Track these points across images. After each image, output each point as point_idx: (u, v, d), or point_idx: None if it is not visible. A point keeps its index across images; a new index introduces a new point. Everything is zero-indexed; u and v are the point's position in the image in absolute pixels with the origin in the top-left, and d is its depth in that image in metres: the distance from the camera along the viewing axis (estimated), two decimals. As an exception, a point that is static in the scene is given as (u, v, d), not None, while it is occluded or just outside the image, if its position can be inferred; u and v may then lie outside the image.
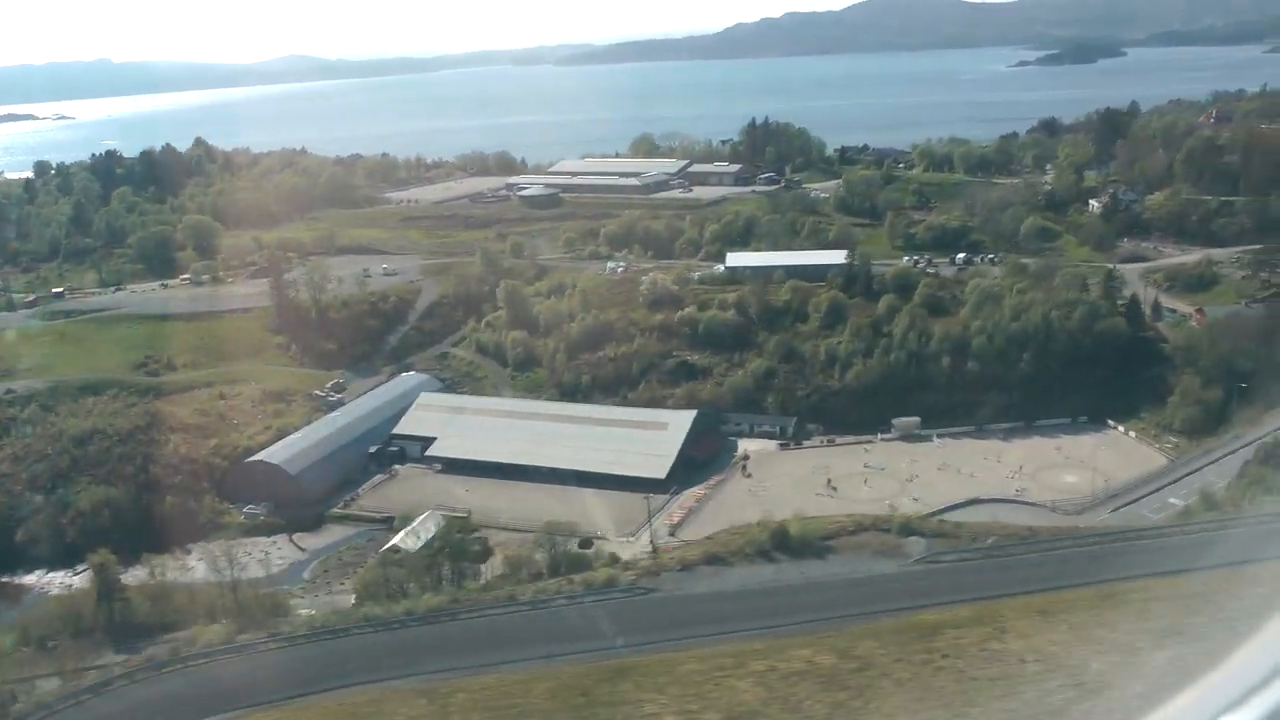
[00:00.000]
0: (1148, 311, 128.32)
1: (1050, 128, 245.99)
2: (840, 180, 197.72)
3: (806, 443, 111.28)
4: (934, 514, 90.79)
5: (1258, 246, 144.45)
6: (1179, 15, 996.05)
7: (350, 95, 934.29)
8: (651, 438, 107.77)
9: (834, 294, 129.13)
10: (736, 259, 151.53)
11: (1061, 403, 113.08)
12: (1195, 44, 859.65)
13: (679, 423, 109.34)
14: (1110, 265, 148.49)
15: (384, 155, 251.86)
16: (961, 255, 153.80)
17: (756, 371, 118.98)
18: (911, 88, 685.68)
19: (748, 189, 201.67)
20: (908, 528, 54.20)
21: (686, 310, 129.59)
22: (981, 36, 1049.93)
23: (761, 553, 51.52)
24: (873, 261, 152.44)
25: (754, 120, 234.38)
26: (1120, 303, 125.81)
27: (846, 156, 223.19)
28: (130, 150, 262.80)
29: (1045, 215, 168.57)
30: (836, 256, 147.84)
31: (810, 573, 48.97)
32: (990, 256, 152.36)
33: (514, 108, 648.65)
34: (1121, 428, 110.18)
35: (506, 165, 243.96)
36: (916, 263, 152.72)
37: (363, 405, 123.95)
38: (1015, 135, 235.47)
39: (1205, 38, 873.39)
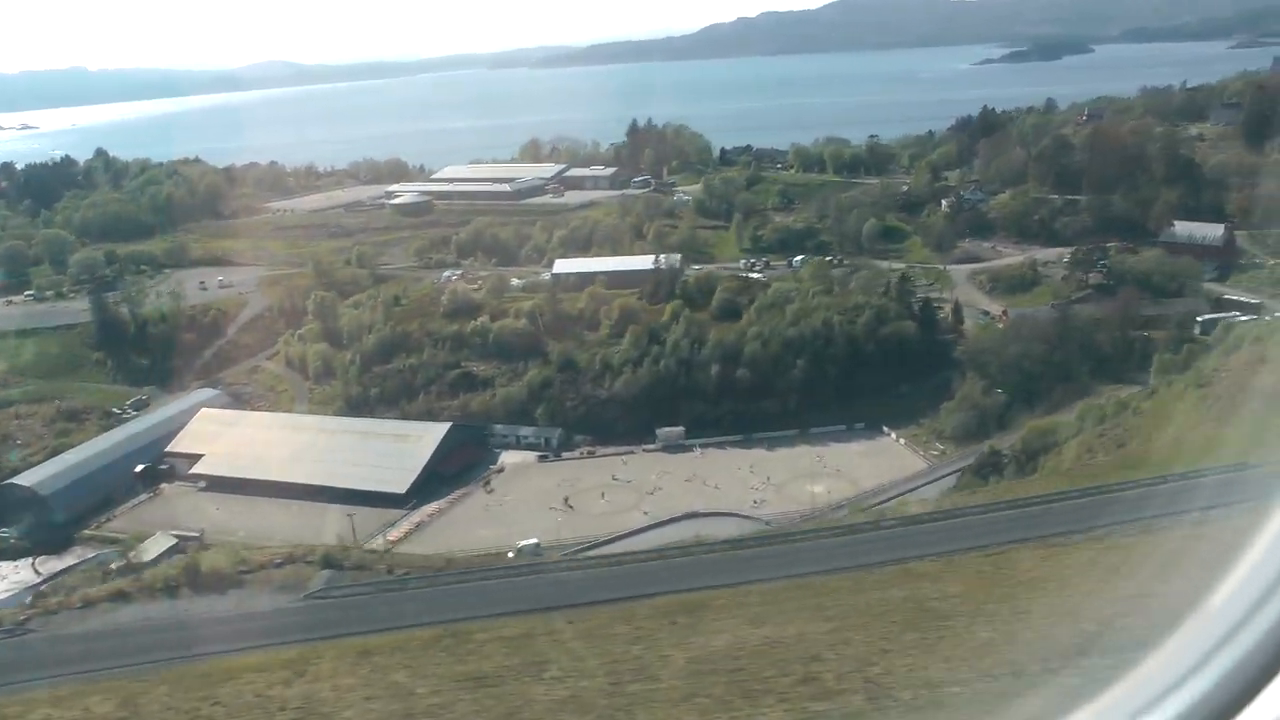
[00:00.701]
0: (979, 313, 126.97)
1: (964, 126, 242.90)
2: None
3: (568, 455, 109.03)
4: (645, 529, 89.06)
5: (1088, 246, 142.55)
6: (1154, 12, 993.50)
7: (323, 100, 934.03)
8: (401, 451, 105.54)
9: (625, 301, 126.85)
10: (562, 265, 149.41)
11: (841, 409, 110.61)
12: (1167, 40, 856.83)
13: (430, 436, 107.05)
14: (941, 266, 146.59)
15: (272, 163, 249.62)
16: (799, 258, 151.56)
17: (533, 382, 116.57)
18: (873, 86, 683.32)
19: (620, 192, 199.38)
20: (328, 560, 51.81)
21: (480, 320, 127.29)
22: (957, 34, 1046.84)
23: (169, 587, 49.26)
24: (719, 265, 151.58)
25: (634, 122, 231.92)
26: (918, 304, 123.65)
27: (726, 158, 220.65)
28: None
29: (899, 216, 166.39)
30: (646, 261, 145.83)
31: (196, 609, 46.78)
32: (833, 258, 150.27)
33: (477, 111, 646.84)
34: (895, 434, 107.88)
35: (398, 172, 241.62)
36: (754, 266, 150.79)
37: (141, 423, 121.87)
38: (931, 134, 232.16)
39: (1178, 34, 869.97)
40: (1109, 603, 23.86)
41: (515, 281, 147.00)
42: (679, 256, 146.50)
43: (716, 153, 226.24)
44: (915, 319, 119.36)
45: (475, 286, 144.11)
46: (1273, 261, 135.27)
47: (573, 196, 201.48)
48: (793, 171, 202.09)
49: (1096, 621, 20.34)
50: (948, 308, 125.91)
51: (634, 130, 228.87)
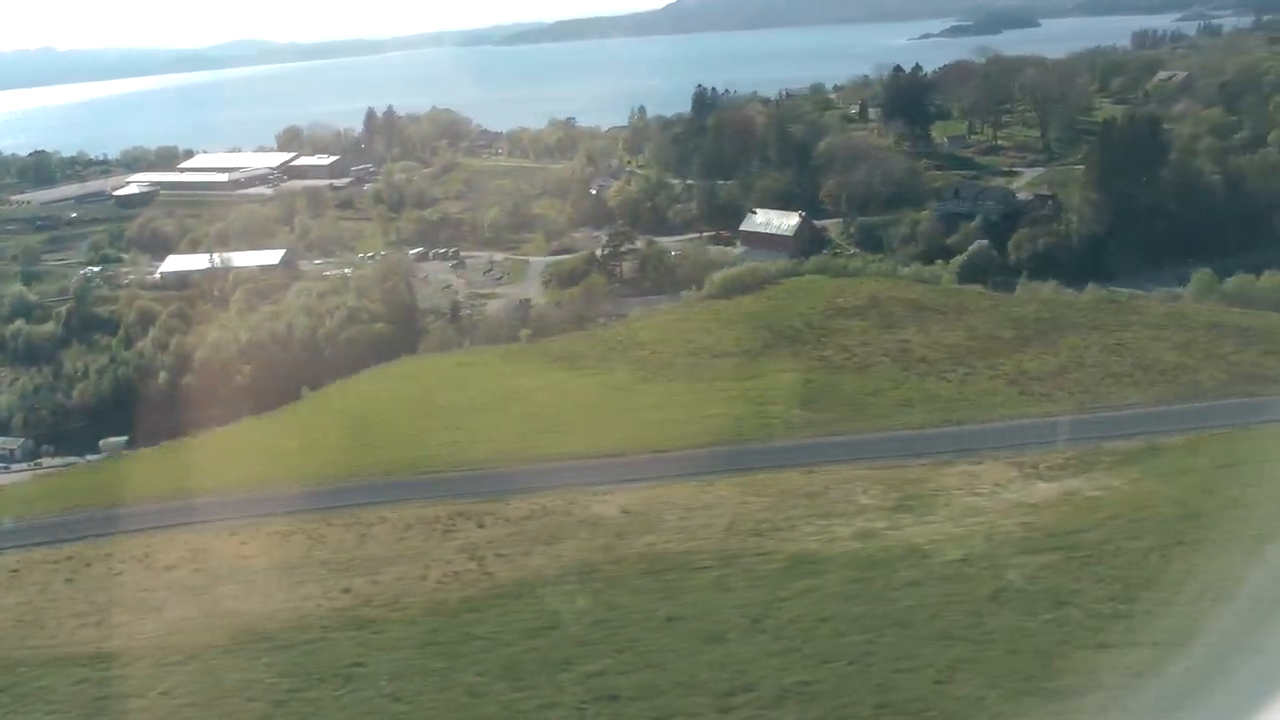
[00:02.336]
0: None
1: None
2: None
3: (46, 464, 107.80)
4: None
5: (708, 233, 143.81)
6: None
7: (278, 80, 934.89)
8: None
9: (143, 303, 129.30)
10: (173, 262, 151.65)
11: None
12: (1123, 13, 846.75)
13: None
14: (526, 258, 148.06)
15: (38, 153, 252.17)
16: (365, 255, 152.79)
17: (25, 389, 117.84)
18: (808, 62, 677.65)
19: (342, 181, 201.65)
20: None
21: (17, 324, 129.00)
22: (918, 9, 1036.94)
23: None
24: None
25: (371, 110, 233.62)
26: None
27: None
28: (19, 147, 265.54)
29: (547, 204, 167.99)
30: (273, 257, 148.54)
31: None
32: (447, 250, 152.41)
33: (410, 91, 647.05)
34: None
35: (168, 159, 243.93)
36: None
37: None
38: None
39: (1133, 7, 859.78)
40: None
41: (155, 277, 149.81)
42: (283, 253, 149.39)
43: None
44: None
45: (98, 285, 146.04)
46: (852, 251, 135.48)
47: (292, 186, 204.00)
48: (503, 157, 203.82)
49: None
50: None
51: (370, 118, 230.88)
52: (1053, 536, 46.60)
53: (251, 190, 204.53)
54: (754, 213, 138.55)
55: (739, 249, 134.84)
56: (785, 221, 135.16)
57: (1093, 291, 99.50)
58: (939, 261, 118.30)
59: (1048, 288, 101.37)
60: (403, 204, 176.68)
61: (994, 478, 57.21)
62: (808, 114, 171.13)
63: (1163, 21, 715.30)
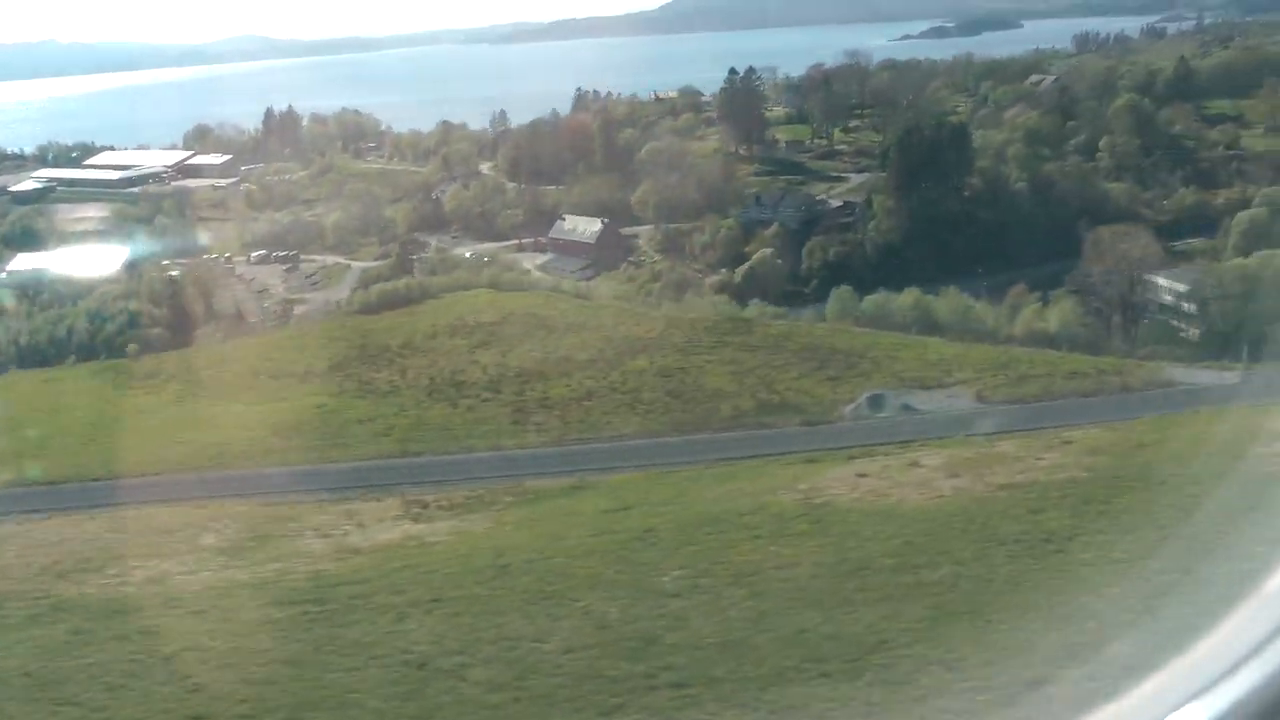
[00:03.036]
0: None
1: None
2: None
3: None
4: None
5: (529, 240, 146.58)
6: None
7: (273, 76, 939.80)
8: None
9: None
10: (20, 261, 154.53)
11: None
12: (1111, 14, 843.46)
13: None
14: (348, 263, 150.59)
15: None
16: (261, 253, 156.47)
17: None
18: (781, 60, 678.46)
19: (225, 181, 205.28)
20: None
21: None
22: (912, 10, 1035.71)
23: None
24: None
25: (270, 110, 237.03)
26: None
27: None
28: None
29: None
30: (118, 257, 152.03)
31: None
32: (286, 254, 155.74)
33: (389, 89, 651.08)
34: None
35: (86, 154, 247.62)
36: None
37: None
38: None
39: (1122, 9, 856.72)
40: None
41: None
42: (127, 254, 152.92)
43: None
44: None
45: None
46: (656, 258, 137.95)
47: (186, 184, 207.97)
48: (383, 161, 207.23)
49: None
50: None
51: (268, 117, 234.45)
52: (323, 588, 42.39)
53: (137, 189, 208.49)
54: (563, 219, 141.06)
55: (547, 256, 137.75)
56: (589, 228, 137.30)
57: (720, 309, 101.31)
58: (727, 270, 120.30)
59: (720, 301, 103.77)
60: (269, 205, 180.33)
61: (370, 516, 55.93)
62: (645, 118, 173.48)
63: (1144, 22, 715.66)
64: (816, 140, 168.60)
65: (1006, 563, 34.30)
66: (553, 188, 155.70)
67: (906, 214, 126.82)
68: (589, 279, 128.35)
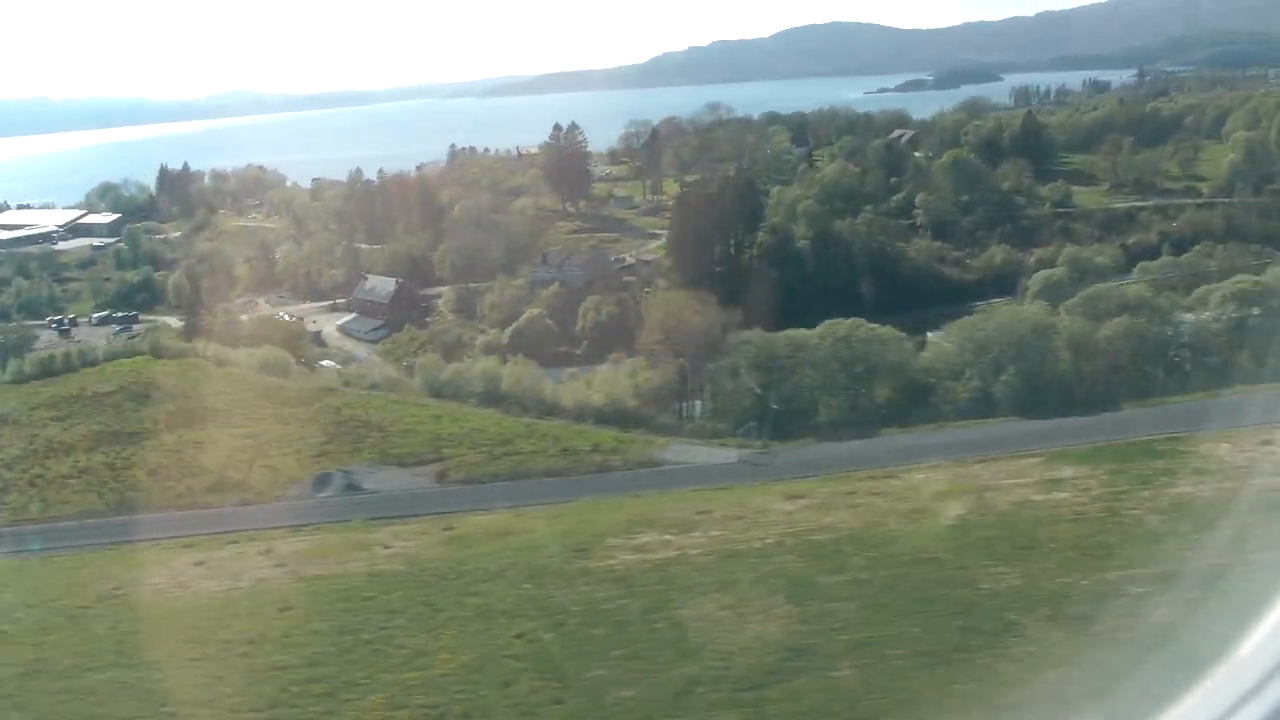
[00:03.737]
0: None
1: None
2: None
3: None
4: None
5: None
6: (1103, 39, 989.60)
7: (267, 131, 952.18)
8: None
9: None
10: None
11: None
12: (1089, 68, 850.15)
13: None
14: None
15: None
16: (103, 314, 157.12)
17: None
18: (753, 110, 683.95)
19: (103, 242, 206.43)
20: None
21: None
22: (900, 64, 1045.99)
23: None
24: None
25: (163, 167, 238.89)
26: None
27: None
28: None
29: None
30: None
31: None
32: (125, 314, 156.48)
33: (359, 143, 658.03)
34: None
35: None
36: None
37: None
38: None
39: (1099, 62, 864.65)
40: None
41: None
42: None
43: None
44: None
45: None
46: (450, 318, 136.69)
47: (74, 244, 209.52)
48: (260, 218, 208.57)
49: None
50: None
51: (162, 175, 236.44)
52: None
53: (30, 249, 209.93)
54: (364, 279, 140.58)
55: (350, 316, 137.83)
56: (385, 288, 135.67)
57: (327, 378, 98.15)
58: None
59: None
60: (134, 264, 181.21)
61: None
62: (489, 176, 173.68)
63: (1121, 76, 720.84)
64: (649, 196, 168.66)
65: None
66: (374, 247, 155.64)
67: (682, 272, 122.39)
68: (379, 339, 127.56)
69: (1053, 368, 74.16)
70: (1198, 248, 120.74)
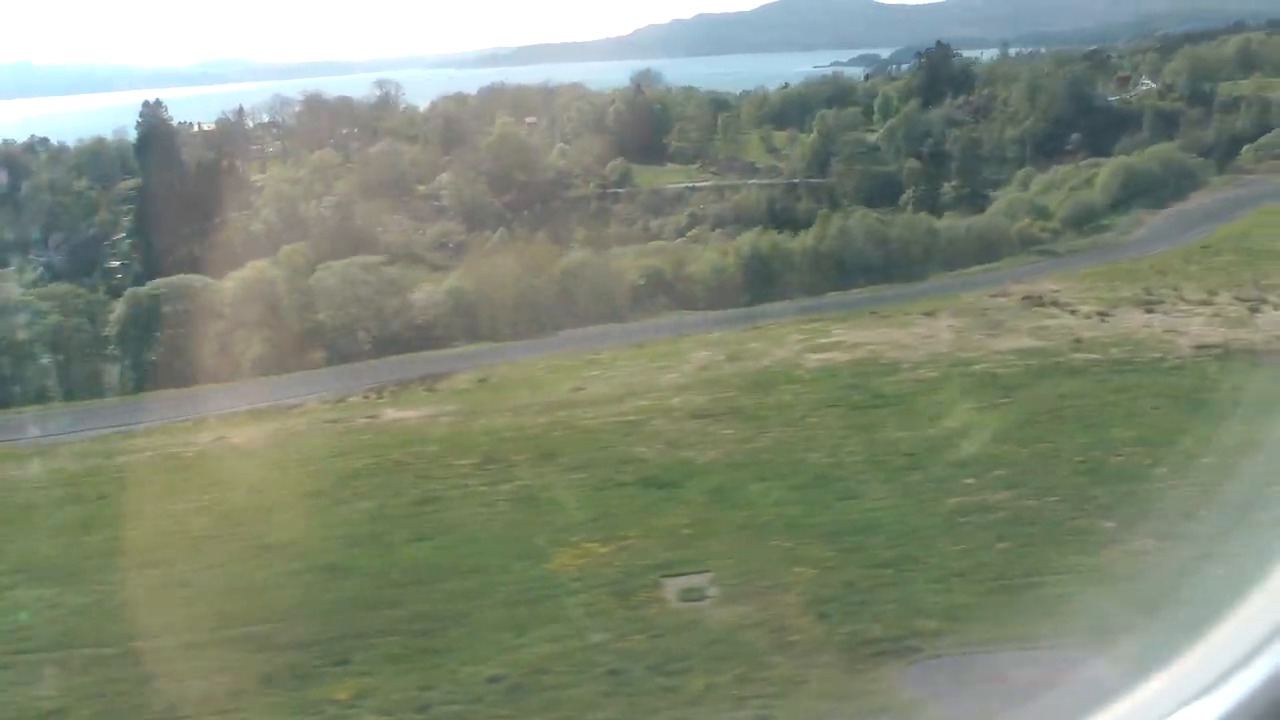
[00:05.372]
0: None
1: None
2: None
3: None
4: None
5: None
6: (1067, 14, 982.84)
7: (252, 98, 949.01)
8: None
9: None
10: None
11: None
12: (1049, 44, 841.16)
13: None
14: None
15: None
16: None
17: None
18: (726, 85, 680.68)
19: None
20: None
21: None
22: (880, 38, 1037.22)
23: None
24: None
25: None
26: None
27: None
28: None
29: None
30: None
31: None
32: None
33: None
34: None
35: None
36: None
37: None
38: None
39: (1059, 39, 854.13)
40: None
41: None
42: None
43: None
44: None
45: None
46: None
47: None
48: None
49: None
50: None
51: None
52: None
53: None
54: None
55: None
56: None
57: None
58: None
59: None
60: None
61: None
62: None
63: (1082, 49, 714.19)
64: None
65: None
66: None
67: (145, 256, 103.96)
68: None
69: None
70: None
